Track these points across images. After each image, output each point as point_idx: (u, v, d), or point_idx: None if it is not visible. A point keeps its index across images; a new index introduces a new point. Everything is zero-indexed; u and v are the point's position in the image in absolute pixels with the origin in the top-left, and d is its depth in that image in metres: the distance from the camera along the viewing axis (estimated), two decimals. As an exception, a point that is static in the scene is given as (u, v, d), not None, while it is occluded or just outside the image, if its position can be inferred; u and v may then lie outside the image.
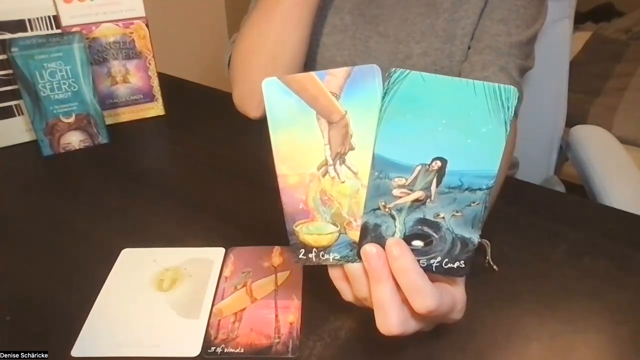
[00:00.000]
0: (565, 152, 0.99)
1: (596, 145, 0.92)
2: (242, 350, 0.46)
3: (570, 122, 1.00)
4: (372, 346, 0.46)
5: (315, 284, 0.51)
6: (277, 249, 0.57)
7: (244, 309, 0.50)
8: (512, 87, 0.36)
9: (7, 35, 0.73)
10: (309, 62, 0.72)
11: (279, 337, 0.47)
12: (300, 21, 0.68)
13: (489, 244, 0.54)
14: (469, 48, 0.69)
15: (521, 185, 0.69)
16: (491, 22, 0.66)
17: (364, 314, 0.41)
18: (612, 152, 0.91)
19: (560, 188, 0.97)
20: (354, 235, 0.40)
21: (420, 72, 0.37)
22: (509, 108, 0.37)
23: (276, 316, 0.49)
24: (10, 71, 0.72)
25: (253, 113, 0.71)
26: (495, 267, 0.54)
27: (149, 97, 0.86)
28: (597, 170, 0.85)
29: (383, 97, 0.37)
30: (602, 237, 0.59)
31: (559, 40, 0.91)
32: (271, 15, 0.68)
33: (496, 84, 0.36)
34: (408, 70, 0.36)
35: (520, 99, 0.69)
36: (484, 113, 0.37)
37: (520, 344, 0.47)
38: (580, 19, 2.23)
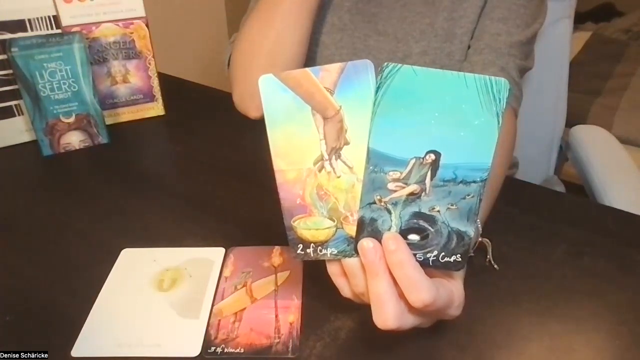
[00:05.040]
0: (565, 152, 0.99)
1: (596, 145, 0.92)
2: (242, 350, 0.46)
3: (570, 122, 1.00)
4: (372, 346, 0.46)
5: (315, 284, 0.51)
6: (277, 249, 0.57)
7: (244, 309, 0.50)
8: (503, 78, 0.37)
9: (7, 35, 0.73)
10: (308, 61, 0.73)
11: (279, 337, 0.47)
12: (300, 22, 0.68)
13: (489, 243, 0.54)
14: (468, 47, 0.69)
15: (521, 185, 0.69)
16: (491, 21, 0.66)
17: (364, 314, 0.41)
18: (612, 152, 0.91)
19: (560, 188, 0.97)
20: (351, 230, 0.41)
21: (412, 66, 0.37)
22: (500, 100, 0.37)
23: (276, 316, 0.49)
24: (10, 71, 0.72)
25: (253, 113, 0.71)
26: (496, 266, 0.54)
27: (149, 97, 0.86)
28: (597, 170, 0.85)
29: (376, 92, 0.38)
30: (602, 237, 0.59)
31: (559, 40, 0.91)
32: (271, 16, 0.68)
33: (487, 77, 0.37)
34: (400, 65, 0.37)
35: (520, 99, 0.69)
36: (475, 105, 0.37)
37: (520, 343, 0.47)
38: (580, 19, 2.23)
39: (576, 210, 0.64)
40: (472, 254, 0.53)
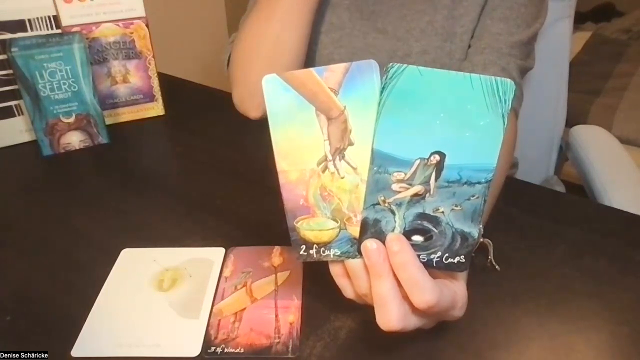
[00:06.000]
0: (565, 152, 0.99)
1: (596, 145, 0.92)
2: (242, 350, 0.46)
3: (570, 122, 1.00)
4: (372, 346, 0.46)
5: (316, 284, 0.51)
6: (277, 249, 0.57)
7: (244, 309, 0.50)
8: (508, 80, 0.37)
9: (7, 35, 0.73)
10: (307, 61, 0.72)
11: (279, 337, 0.47)
12: (300, 21, 0.68)
13: (491, 243, 0.54)
14: (469, 46, 0.69)
15: (521, 185, 0.69)
16: (492, 21, 0.66)
17: (364, 314, 0.41)
18: (612, 152, 0.91)
19: (560, 188, 0.97)
20: (354, 230, 0.40)
21: (418, 67, 0.37)
22: (506, 101, 0.37)
23: (276, 316, 0.49)
24: (10, 71, 0.72)
25: (253, 113, 0.71)
26: (497, 266, 0.54)
27: (149, 97, 0.86)
28: (597, 170, 0.85)
29: (381, 92, 0.37)
30: (602, 237, 0.59)
31: (559, 40, 0.91)
32: (271, 16, 0.68)
33: (492, 77, 0.37)
34: (405, 65, 0.37)
35: (520, 100, 0.69)
36: (481, 106, 0.37)
37: (520, 343, 0.47)
38: (580, 19, 2.23)
39: (576, 210, 0.64)
40: (473, 255, 0.53)
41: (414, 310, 0.39)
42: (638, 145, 1.47)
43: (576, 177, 0.93)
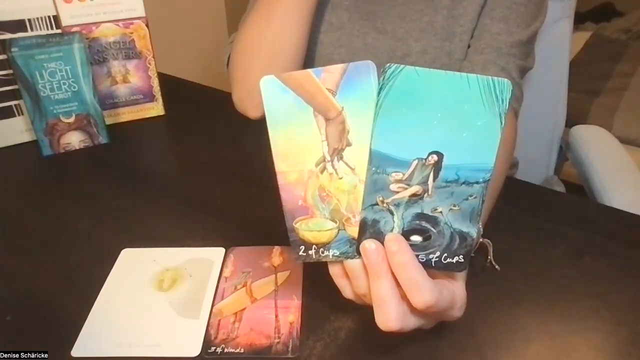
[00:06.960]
0: (565, 152, 0.99)
1: (596, 145, 0.92)
2: (242, 350, 0.46)
3: (570, 122, 1.00)
4: (372, 346, 0.46)
5: (316, 284, 0.51)
6: (277, 249, 0.57)
7: (244, 309, 0.50)
8: (505, 79, 0.37)
9: (7, 35, 0.73)
10: (307, 61, 0.72)
11: (279, 337, 0.47)
12: (299, 20, 0.68)
13: (490, 243, 0.54)
14: (468, 46, 0.69)
15: (521, 185, 0.69)
16: (491, 21, 0.66)
17: (364, 314, 0.41)
18: (612, 152, 0.90)
19: (560, 188, 0.97)
20: (353, 231, 0.41)
21: (415, 67, 0.37)
22: (503, 101, 0.37)
23: (276, 316, 0.49)
24: (10, 71, 0.72)
25: (253, 113, 0.71)
26: (497, 266, 0.54)
27: (149, 97, 0.86)
28: (597, 170, 0.85)
29: (378, 93, 0.38)
30: (602, 237, 0.59)
31: (559, 40, 0.91)
32: (270, 15, 0.68)
33: (490, 77, 0.37)
34: (402, 66, 0.37)
35: (520, 100, 0.69)
36: (478, 106, 0.37)
37: (520, 343, 0.47)
38: (580, 19, 2.23)
39: (576, 210, 0.64)
40: (473, 255, 0.53)
41: (413, 310, 0.39)
42: (638, 145, 1.47)
43: (576, 177, 0.93)
